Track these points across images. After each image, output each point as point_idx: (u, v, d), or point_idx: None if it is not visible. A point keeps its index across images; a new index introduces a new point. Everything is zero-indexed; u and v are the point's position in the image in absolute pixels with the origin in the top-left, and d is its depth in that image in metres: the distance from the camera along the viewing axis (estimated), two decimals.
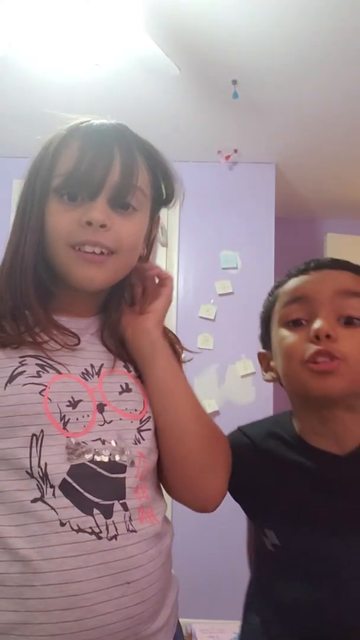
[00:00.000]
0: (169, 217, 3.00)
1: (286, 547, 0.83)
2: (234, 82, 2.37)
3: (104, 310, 0.85)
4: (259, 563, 0.92)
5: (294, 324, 0.82)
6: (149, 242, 0.87)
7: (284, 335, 0.83)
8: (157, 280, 0.86)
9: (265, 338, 0.91)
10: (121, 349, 0.83)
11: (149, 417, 0.79)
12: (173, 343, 0.89)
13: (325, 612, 0.79)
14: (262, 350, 0.93)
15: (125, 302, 0.85)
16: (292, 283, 0.86)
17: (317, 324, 0.78)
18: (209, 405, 2.86)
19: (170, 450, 0.80)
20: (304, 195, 3.61)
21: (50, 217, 0.76)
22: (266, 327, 0.91)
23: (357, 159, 3.08)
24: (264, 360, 0.92)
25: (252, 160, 3.12)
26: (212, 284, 3.00)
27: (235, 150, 3.01)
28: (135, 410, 0.78)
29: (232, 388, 2.94)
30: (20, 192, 0.80)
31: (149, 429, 0.78)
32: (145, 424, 0.78)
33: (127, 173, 0.76)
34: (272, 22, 2.02)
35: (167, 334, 0.88)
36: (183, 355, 0.91)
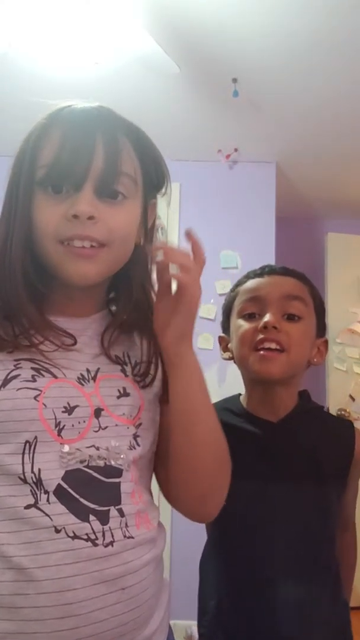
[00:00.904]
0: (169, 217, 2.99)
1: (232, 499, 0.91)
2: (234, 80, 2.36)
3: (109, 308, 0.82)
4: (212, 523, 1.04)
5: (248, 317, 1.05)
6: (147, 230, 0.82)
7: (240, 324, 1.05)
8: (173, 287, 0.77)
9: (226, 325, 1.13)
10: (122, 353, 0.79)
11: (141, 424, 0.77)
12: None
13: (260, 559, 0.99)
14: (222, 335, 1.15)
15: (147, 295, 0.81)
16: (250, 284, 1.08)
17: (267, 318, 1.01)
18: None
19: (183, 463, 0.78)
20: (305, 195, 3.60)
21: (36, 213, 0.72)
22: (227, 316, 1.12)
23: (357, 158, 3.07)
24: (223, 342, 1.14)
25: (252, 160, 3.11)
26: (212, 284, 2.99)
27: (236, 149, 3.00)
28: (131, 415, 0.75)
29: (232, 388, 2.92)
30: (5, 188, 0.76)
31: (140, 436, 0.76)
32: (138, 429, 0.76)
33: (111, 159, 0.71)
34: (273, 21, 2.02)
35: None
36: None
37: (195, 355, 0.78)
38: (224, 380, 2.92)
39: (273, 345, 0.99)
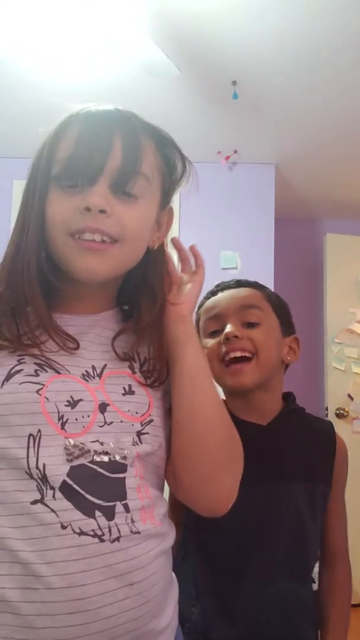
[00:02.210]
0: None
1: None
2: (234, 82, 2.37)
3: (128, 308, 0.82)
4: (193, 520, 1.01)
5: (212, 334, 1.08)
6: (161, 235, 0.82)
7: (206, 342, 1.09)
8: (192, 264, 0.86)
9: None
10: (131, 350, 0.79)
11: (151, 421, 0.76)
12: None
13: (250, 563, 0.99)
14: None
15: (161, 299, 0.81)
16: (208, 303, 1.13)
17: (227, 329, 1.05)
18: None
19: (188, 447, 0.77)
20: (304, 196, 3.61)
21: (49, 206, 0.72)
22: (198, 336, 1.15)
23: (356, 159, 3.08)
24: None
25: (252, 161, 3.13)
26: (212, 284, 3.00)
27: (235, 151, 3.01)
28: (137, 412, 0.75)
29: None
30: (24, 186, 0.77)
31: (148, 433, 0.75)
32: (145, 427, 0.75)
33: (129, 157, 0.71)
34: (272, 24, 2.03)
35: None
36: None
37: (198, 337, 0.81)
38: None
39: (239, 354, 1.02)
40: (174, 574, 0.82)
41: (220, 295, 1.12)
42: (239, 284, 1.14)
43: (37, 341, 0.72)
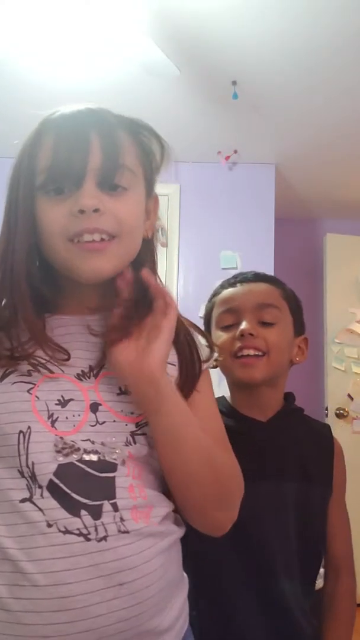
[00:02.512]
0: (169, 217, 3.01)
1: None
2: (234, 82, 2.37)
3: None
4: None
5: (226, 328, 1.07)
6: (151, 223, 0.82)
7: (219, 335, 1.08)
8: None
9: (208, 332, 1.14)
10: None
11: (146, 423, 0.74)
12: (194, 348, 0.82)
13: (250, 560, 0.98)
14: None
15: (118, 315, 0.75)
16: (224, 294, 1.11)
17: (243, 326, 1.04)
18: None
19: (175, 491, 0.77)
20: (304, 196, 3.61)
21: (41, 217, 0.72)
22: (207, 325, 1.14)
23: (357, 159, 3.08)
24: None
25: (252, 161, 3.13)
26: (212, 284, 3.00)
27: (235, 151, 3.01)
28: (132, 413, 0.74)
29: None
30: (5, 199, 0.76)
31: (144, 434, 0.74)
32: (141, 428, 0.74)
33: (108, 152, 0.71)
34: (272, 24, 2.03)
35: (191, 333, 0.83)
36: (215, 355, 0.86)
37: (171, 383, 0.76)
38: (223, 380, 2.94)
39: (252, 352, 1.03)
40: (184, 573, 0.81)
41: (238, 288, 1.10)
42: (258, 277, 1.12)
43: (28, 353, 0.72)
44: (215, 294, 1.14)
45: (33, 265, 0.75)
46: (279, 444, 1.06)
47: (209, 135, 2.87)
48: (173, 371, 0.79)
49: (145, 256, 0.81)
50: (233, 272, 1.23)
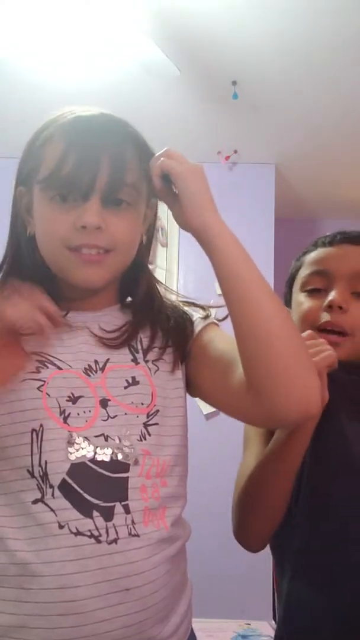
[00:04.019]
0: (169, 217, 2.99)
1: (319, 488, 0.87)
2: (234, 82, 2.37)
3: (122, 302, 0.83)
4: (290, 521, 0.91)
5: (312, 292, 0.93)
6: (149, 228, 0.84)
7: (301, 301, 0.94)
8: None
9: (288, 297, 1.01)
10: (134, 341, 0.79)
11: (157, 411, 0.75)
12: (186, 321, 0.82)
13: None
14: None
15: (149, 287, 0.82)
16: (317, 254, 0.96)
17: (332, 295, 0.89)
18: (209, 405, 2.85)
19: (248, 341, 0.70)
20: (304, 196, 3.61)
21: (42, 221, 0.75)
22: (289, 287, 1.01)
23: (356, 159, 3.08)
24: None
25: (251, 161, 3.12)
26: (212, 284, 2.98)
27: (235, 151, 3.01)
28: (142, 403, 0.74)
29: None
30: (12, 198, 0.79)
31: (157, 424, 0.74)
32: (152, 418, 0.74)
33: (117, 171, 0.73)
34: (272, 24, 2.03)
35: (180, 313, 0.84)
36: (214, 313, 0.86)
37: (227, 227, 0.76)
38: None
39: (337, 329, 0.90)
40: (189, 579, 0.80)
41: (335, 249, 0.95)
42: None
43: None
44: (306, 252, 1.00)
45: (38, 262, 0.78)
46: None
47: (209, 135, 2.87)
48: (168, 353, 0.80)
49: (142, 260, 0.83)
50: None
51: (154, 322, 0.81)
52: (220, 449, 2.63)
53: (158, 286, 0.85)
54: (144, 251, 0.83)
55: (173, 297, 0.88)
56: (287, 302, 1.02)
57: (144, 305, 0.82)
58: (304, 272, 0.97)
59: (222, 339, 0.81)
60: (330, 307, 0.90)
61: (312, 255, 0.97)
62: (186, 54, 2.18)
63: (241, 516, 0.92)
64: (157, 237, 3.03)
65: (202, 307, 0.88)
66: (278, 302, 0.73)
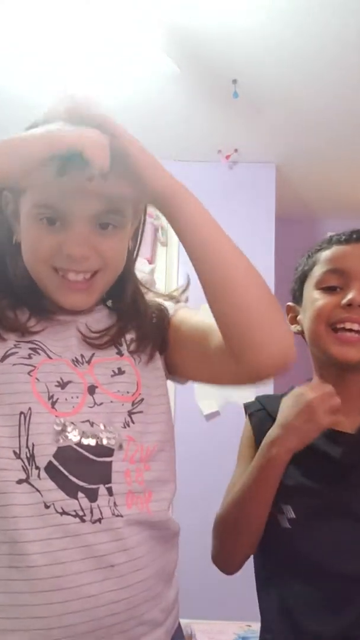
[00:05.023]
0: None
1: (303, 519, 0.87)
2: (234, 81, 2.37)
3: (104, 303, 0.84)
4: (270, 545, 0.93)
5: (328, 289, 0.92)
6: (135, 232, 0.84)
7: (316, 298, 0.93)
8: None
9: (297, 293, 1.01)
10: (118, 338, 0.81)
11: (142, 400, 0.77)
12: (164, 317, 0.84)
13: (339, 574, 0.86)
14: (291, 304, 1.02)
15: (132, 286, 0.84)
16: (333, 252, 0.95)
17: (352, 294, 0.88)
18: (209, 405, 2.85)
19: (220, 304, 0.72)
20: (304, 195, 3.61)
21: (28, 238, 0.75)
22: (300, 283, 1.00)
23: (357, 159, 3.08)
24: (291, 313, 1.01)
25: (252, 160, 3.12)
26: None
27: (236, 150, 3.00)
28: (127, 392, 0.77)
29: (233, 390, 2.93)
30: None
31: (141, 412, 0.77)
32: (137, 406, 0.77)
33: (106, 198, 0.72)
34: (273, 22, 2.03)
35: (152, 309, 0.85)
36: (184, 295, 0.89)
37: (187, 190, 0.73)
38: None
39: (355, 327, 0.89)
40: (175, 576, 0.81)
41: (352, 247, 0.95)
42: None
43: (30, 332, 0.76)
44: (320, 249, 0.99)
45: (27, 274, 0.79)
46: None
47: (209, 134, 2.86)
48: (149, 346, 0.82)
49: (128, 267, 0.83)
50: None
51: (138, 326, 0.83)
52: (220, 449, 2.63)
53: (142, 288, 0.87)
54: (130, 257, 0.84)
55: (150, 295, 0.89)
56: (297, 298, 1.02)
57: (129, 311, 0.83)
58: (319, 270, 0.96)
59: (192, 316, 0.85)
60: (349, 306, 0.89)
61: (328, 253, 0.97)
62: (187, 53, 2.18)
63: (219, 542, 0.96)
64: (157, 237, 3.03)
65: (174, 297, 0.90)
66: (247, 260, 0.75)
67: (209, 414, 2.86)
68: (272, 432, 0.88)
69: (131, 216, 0.80)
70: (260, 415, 1.02)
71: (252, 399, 1.09)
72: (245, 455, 1.00)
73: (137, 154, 0.68)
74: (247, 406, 1.07)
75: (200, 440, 2.79)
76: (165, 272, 2.99)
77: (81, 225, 0.73)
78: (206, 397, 2.86)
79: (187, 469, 2.96)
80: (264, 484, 0.88)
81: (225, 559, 0.97)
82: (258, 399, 1.07)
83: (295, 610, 0.89)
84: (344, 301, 0.89)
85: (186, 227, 0.72)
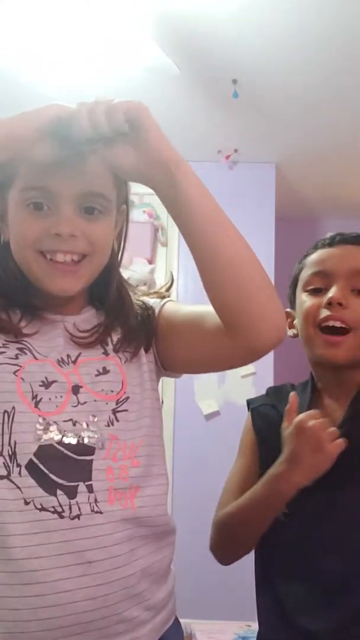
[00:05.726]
0: (168, 217, 2.99)
1: (298, 512, 0.88)
2: (234, 81, 2.37)
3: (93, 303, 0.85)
4: (268, 540, 0.95)
5: (313, 291, 0.97)
6: (119, 234, 0.86)
7: (304, 300, 0.98)
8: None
9: (292, 299, 1.05)
10: (105, 337, 0.82)
11: (127, 398, 0.79)
12: (150, 317, 0.85)
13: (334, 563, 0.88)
14: (288, 310, 1.07)
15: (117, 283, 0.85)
16: (317, 255, 1.00)
17: (332, 292, 0.93)
18: (209, 405, 2.85)
19: (213, 279, 0.74)
20: (304, 195, 3.61)
21: (16, 225, 0.76)
22: (293, 289, 1.05)
23: (357, 158, 3.08)
24: (289, 318, 1.06)
25: (252, 160, 3.12)
26: None
27: (236, 150, 3.00)
28: (112, 391, 0.78)
29: (232, 388, 2.93)
30: None
31: (126, 410, 0.78)
32: (122, 404, 0.78)
33: (91, 181, 0.75)
34: (273, 22, 2.03)
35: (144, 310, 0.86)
36: (168, 292, 0.91)
37: (191, 168, 0.75)
38: (223, 382, 2.93)
39: (338, 324, 0.92)
40: (172, 571, 0.82)
41: (334, 250, 0.99)
42: (358, 240, 1.00)
43: (22, 334, 0.77)
44: (307, 254, 1.04)
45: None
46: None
47: (209, 134, 2.87)
48: (136, 343, 0.83)
49: (113, 265, 0.85)
50: None
51: (124, 323, 0.84)
52: (220, 449, 2.63)
53: (127, 287, 0.88)
54: (115, 256, 0.86)
55: (137, 295, 0.90)
56: (292, 303, 1.06)
57: (115, 308, 0.84)
58: (305, 273, 1.00)
59: (182, 306, 0.88)
60: (330, 304, 0.93)
61: (313, 257, 1.01)
62: (186, 52, 2.18)
63: (219, 538, 0.98)
64: (157, 237, 3.03)
65: (160, 294, 0.92)
66: (241, 237, 0.77)
67: (209, 414, 2.86)
68: (279, 466, 0.88)
69: (115, 202, 0.81)
70: (264, 409, 1.05)
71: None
72: (246, 452, 1.03)
73: (151, 125, 0.71)
74: (249, 402, 1.10)
75: (200, 440, 2.79)
76: (165, 272, 2.99)
77: (68, 208, 0.74)
78: (206, 397, 2.86)
79: (187, 469, 2.96)
80: (267, 510, 0.90)
81: (222, 554, 1.00)
82: (267, 391, 1.10)
83: (288, 607, 0.91)
84: (325, 300, 0.93)
85: (185, 197, 0.73)
